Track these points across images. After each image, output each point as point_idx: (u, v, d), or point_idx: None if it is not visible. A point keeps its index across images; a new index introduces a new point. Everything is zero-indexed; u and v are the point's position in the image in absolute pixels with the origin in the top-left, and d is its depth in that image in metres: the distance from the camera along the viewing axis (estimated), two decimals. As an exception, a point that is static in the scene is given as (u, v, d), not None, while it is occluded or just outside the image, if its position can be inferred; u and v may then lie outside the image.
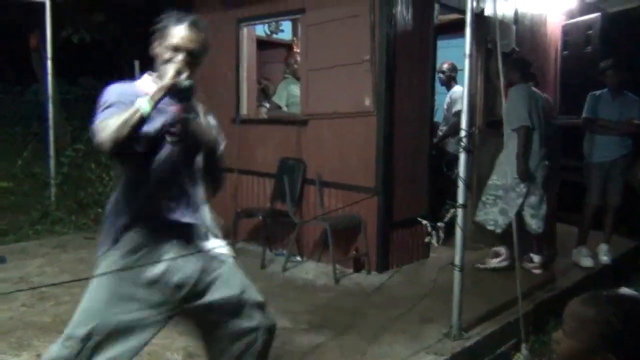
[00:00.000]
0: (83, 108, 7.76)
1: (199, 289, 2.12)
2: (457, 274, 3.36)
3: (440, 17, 5.26)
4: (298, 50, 6.70)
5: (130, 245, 2.05)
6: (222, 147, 2.23)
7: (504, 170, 4.39)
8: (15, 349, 3.20)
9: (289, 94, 5.80)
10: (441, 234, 5.05)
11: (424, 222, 4.92)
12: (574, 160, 5.36)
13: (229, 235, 5.26)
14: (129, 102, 1.89)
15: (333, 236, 4.54)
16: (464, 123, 3.34)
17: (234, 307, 2.17)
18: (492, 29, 5.51)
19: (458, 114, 4.94)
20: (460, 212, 3.35)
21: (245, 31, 5.79)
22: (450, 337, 3.34)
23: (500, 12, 5.77)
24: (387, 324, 3.60)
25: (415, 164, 4.98)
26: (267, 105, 6.48)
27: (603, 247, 5.07)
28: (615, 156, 4.87)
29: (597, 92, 4.99)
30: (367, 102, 4.67)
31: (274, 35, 7.13)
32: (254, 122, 5.80)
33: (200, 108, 2.21)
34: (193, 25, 2.06)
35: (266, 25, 6.83)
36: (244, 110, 5.83)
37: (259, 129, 5.72)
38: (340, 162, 4.92)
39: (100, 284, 2.07)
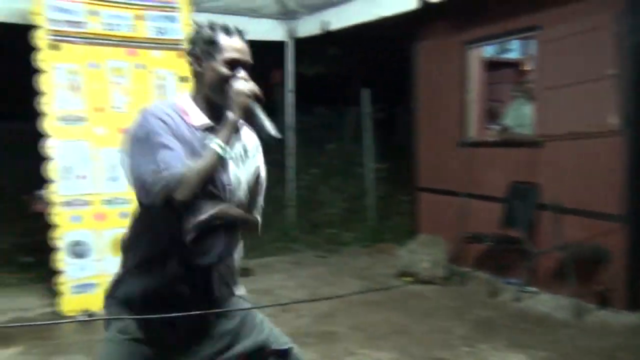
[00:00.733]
0: (317, 135, 8.36)
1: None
2: None
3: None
4: (529, 69, 6.40)
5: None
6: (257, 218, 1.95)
7: None
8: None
9: (519, 115, 5.54)
10: None
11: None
12: None
13: (456, 260, 5.18)
14: (178, 132, 1.67)
15: (573, 267, 4.15)
16: None
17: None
18: None
19: None
20: None
21: (472, 53, 5.70)
22: None
23: None
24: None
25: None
26: (495, 127, 6.27)
27: None
28: None
29: None
30: (612, 120, 4.24)
31: (502, 55, 6.90)
32: (481, 145, 5.64)
33: (248, 138, 1.87)
34: (242, 35, 1.77)
35: (494, 46, 6.65)
36: (471, 133, 5.71)
37: (486, 151, 5.55)
38: (580, 186, 4.51)
39: None
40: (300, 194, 7.28)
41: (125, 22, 4.71)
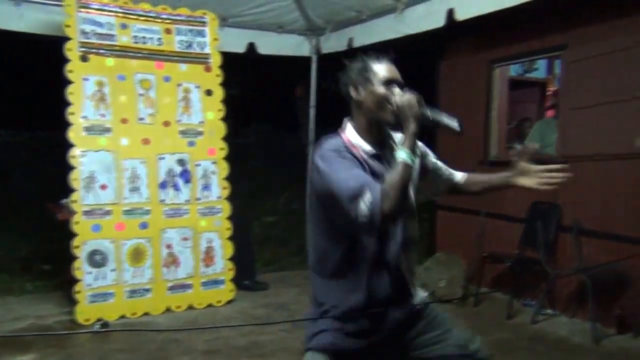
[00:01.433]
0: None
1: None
2: None
3: None
4: (554, 88, 6.35)
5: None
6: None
7: None
8: (277, 370, 3.51)
9: (544, 136, 5.48)
10: None
11: None
12: None
13: (473, 279, 5.11)
14: (358, 159, 1.87)
15: (593, 290, 4.08)
16: None
17: None
18: None
19: None
20: None
21: (497, 72, 5.67)
22: None
23: None
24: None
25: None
26: (519, 146, 6.20)
27: None
28: None
29: None
30: (637, 142, 4.16)
31: (527, 74, 6.86)
32: (502, 164, 5.58)
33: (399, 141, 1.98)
34: (389, 59, 1.98)
35: (520, 65, 6.63)
36: (494, 151, 5.67)
37: (506, 170, 5.49)
38: (603, 208, 4.44)
39: None
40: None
41: (154, 35, 4.82)
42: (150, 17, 4.81)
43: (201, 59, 5.03)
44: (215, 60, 5.10)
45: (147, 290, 4.66)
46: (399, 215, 1.77)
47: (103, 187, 4.54)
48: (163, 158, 4.81)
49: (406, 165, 1.76)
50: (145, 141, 4.74)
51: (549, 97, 6.80)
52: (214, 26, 5.12)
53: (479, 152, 5.73)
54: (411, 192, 1.96)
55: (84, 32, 4.53)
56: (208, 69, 5.06)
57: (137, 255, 4.62)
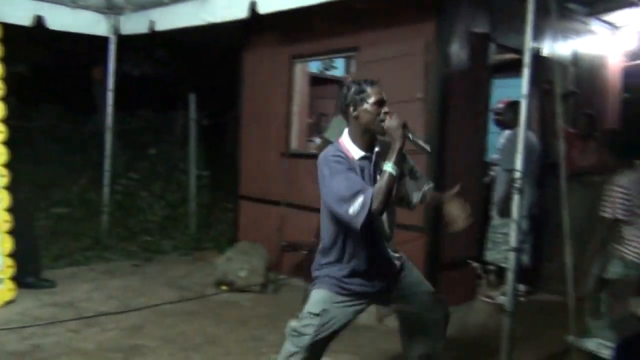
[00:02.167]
0: (139, 139, 7.98)
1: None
2: (506, 320, 3.22)
3: (497, 56, 5.19)
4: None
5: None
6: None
7: None
8: (59, 374, 3.23)
9: (340, 131, 5.79)
10: (492, 277, 4.87)
11: (475, 264, 4.76)
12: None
13: (274, 268, 5.25)
14: (353, 164, 2.47)
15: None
16: (518, 163, 3.24)
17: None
18: (549, 70, 5.43)
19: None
20: (511, 255, 3.22)
21: (299, 67, 5.86)
22: (500, 386, 3.18)
23: (558, 53, 5.65)
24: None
25: (466, 204, 4.85)
26: (317, 140, 6.50)
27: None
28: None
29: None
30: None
31: (327, 72, 7.22)
32: (303, 157, 5.82)
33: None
34: (377, 84, 2.56)
35: (320, 62, 6.93)
36: (294, 145, 5.87)
37: (307, 163, 5.72)
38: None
39: None
40: (117, 200, 6.87)
41: None
42: None
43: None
44: (-7, 31, 4.51)
45: None
46: (383, 212, 2.41)
47: None
48: None
49: (391, 175, 2.35)
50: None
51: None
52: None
53: (280, 145, 5.88)
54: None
55: None
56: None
57: None
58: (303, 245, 5.14)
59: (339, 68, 7.37)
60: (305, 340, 2.54)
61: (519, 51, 3.93)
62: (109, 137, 6.80)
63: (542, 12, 3.43)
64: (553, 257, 5.02)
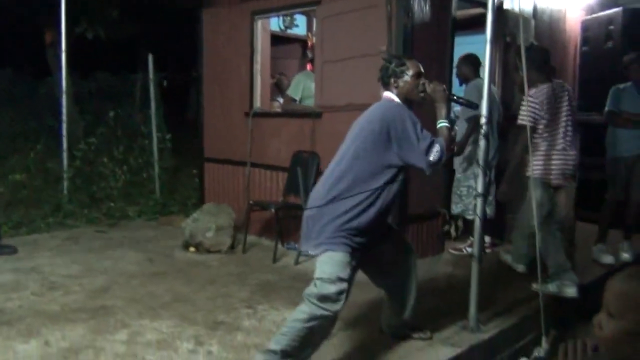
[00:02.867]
0: (97, 103, 7.73)
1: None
2: (474, 266, 3.27)
3: (459, 13, 5.17)
4: (312, 43, 6.65)
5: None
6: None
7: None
8: (24, 336, 3.15)
9: (304, 88, 5.74)
10: (460, 225, 4.95)
11: (443, 210, 4.83)
12: (592, 157, 5.24)
13: (241, 228, 5.21)
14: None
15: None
16: (484, 111, 3.25)
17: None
18: (511, 23, 5.45)
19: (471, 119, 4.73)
20: (479, 201, 3.26)
21: (259, 24, 5.73)
22: (468, 329, 3.25)
23: (519, 6, 5.65)
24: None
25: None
26: (281, 100, 6.42)
27: (624, 244, 4.95)
28: (639, 151, 4.74)
29: (621, 86, 4.86)
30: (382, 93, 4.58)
31: (289, 30, 7.07)
32: (267, 116, 5.74)
33: None
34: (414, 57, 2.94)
35: (281, 20, 6.78)
36: (258, 104, 5.77)
37: (272, 122, 5.67)
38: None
39: None
40: (77, 166, 6.69)
41: None
42: None
43: None
44: None
45: None
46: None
47: None
48: None
49: (448, 128, 2.81)
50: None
51: (309, 51, 7.11)
52: None
53: (244, 105, 5.78)
54: None
55: None
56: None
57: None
58: (270, 204, 5.11)
59: (300, 26, 7.21)
60: (339, 305, 2.59)
61: (482, 4, 3.93)
62: (64, 102, 6.57)
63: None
64: (516, 208, 5.13)
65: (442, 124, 2.80)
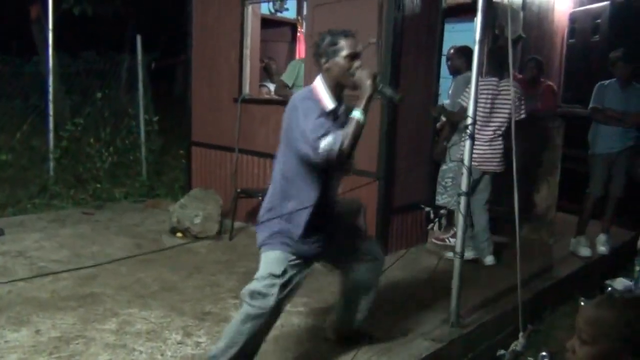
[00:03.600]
0: (84, 82, 7.66)
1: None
2: (457, 262, 3.35)
3: (449, 0, 5.20)
4: (302, 30, 6.64)
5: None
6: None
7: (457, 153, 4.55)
8: (15, 324, 3.20)
9: (298, 74, 5.74)
10: (443, 221, 5.04)
11: (427, 208, 4.91)
12: (576, 149, 5.34)
13: (228, 214, 5.26)
14: (324, 111, 2.46)
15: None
16: (470, 110, 3.30)
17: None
18: (500, 14, 5.49)
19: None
20: (462, 199, 3.33)
21: (250, 9, 5.71)
22: (449, 323, 3.35)
23: (508, -2, 5.70)
24: (385, 309, 3.59)
25: (418, 149, 4.95)
26: (269, 84, 6.42)
27: (602, 237, 5.07)
28: (620, 148, 4.83)
29: (606, 82, 4.93)
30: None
31: (279, 14, 7.04)
32: (256, 102, 5.75)
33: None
34: (353, 35, 2.53)
35: (271, 4, 6.75)
36: (247, 90, 5.78)
37: (261, 108, 5.68)
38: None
39: None
40: (63, 146, 6.66)
41: None
42: None
43: None
44: None
45: None
46: (348, 158, 2.41)
47: None
48: None
49: (358, 122, 2.39)
50: None
51: (301, 37, 7.10)
52: None
53: (233, 90, 5.79)
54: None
55: None
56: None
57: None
58: (258, 192, 5.15)
59: (290, 9, 7.19)
60: (271, 300, 2.50)
61: (472, -4, 3.96)
62: (51, 81, 6.51)
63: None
64: (499, 200, 5.23)
65: (355, 114, 2.40)
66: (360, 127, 2.39)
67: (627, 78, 4.80)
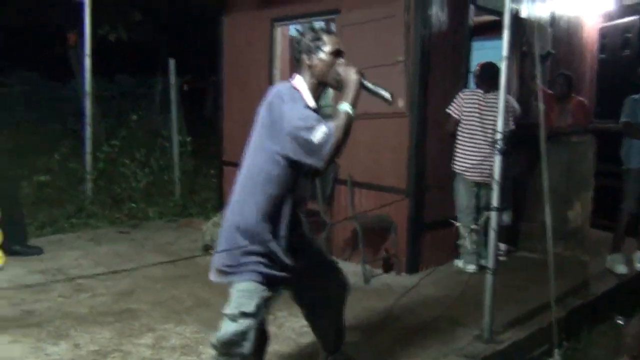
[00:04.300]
0: (119, 105, 7.90)
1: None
2: (489, 277, 3.34)
3: (475, 18, 5.22)
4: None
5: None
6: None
7: None
8: (54, 338, 3.29)
9: (326, 95, 5.80)
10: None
11: (457, 224, 4.89)
12: (609, 164, 5.27)
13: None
14: (307, 106, 2.25)
15: (363, 236, 4.54)
16: (499, 125, 3.32)
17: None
18: (528, 31, 5.49)
19: None
20: (493, 215, 3.33)
21: (279, 31, 5.83)
22: (482, 340, 3.32)
23: (536, 14, 5.70)
24: (417, 325, 3.59)
25: (448, 165, 4.96)
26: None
27: (638, 254, 4.98)
28: (654, 163, 4.76)
29: (637, 96, 4.88)
30: (400, 103, 4.66)
31: (307, 35, 7.16)
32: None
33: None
34: (335, 33, 2.41)
35: (300, 26, 6.87)
36: (276, 110, 5.86)
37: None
38: (372, 163, 4.93)
39: None
40: (100, 167, 6.86)
41: None
42: None
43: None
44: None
45: None
46: (339, 154, 2.17)
47: None
48: None
49: (348, 114, 2.17)
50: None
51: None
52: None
53: (262, 109, 5.87)
54: None
55: None
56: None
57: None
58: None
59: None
60: (248, 348, 2.31)
61: (498, 13, 3.98)
62: (88, 104, 6.73)
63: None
64: (532, 216, 5.19)
65: (342, 107, 2.17)
66: (350, 120, 2.16)
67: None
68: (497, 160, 3.30)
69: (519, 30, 5.26)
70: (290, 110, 2.18)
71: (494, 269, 3.33)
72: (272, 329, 3.46)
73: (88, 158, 6.71)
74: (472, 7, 5.03)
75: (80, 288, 4.15)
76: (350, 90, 2.23)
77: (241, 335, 2.28)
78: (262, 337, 2.50)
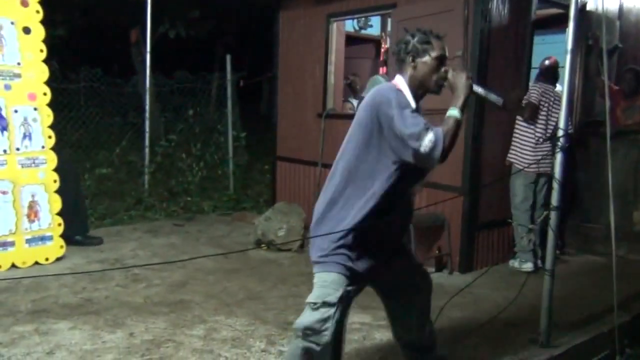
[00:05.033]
0: (177, 100, 8.09)
1: None
2: (547, 279, 3.22)
3: (538, 12, 5.04)
4: (386, 46, 6.66)
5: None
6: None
7: None
8: (111, 326, 3.38)
9: (377, 89, 5.75)
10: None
11: (513, 222, 4.75)
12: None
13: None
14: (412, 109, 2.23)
15: (416, 234, 4.47)
16: (562, 122, 3.18)
17: None
18: (594, 24, 5.26)
19: None
20: (553, 214, 3.20)
21: (334, 26, 5.81)
22: (538, 343, 3.21)
23: (604, 6, 5.44)
24: (470, 326, 3.50)
25: (504, 164, 4.81)
26: (353, 101, 6.47)
27: None
28: None
29: None
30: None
31: (363, 31, 7.11)
32: (340, 117, 5.81)
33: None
34: (443, 39, 2.39)
35: (355, 21, 6.83)
36: (331, 105, 5.86)
37: (345, 124, 5.70)
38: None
39: None
40: (157, 161, 7.04)
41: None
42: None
43: (17, -8, 4.49)
44: (33, -6, 4.59)
45: (-40, 250, 4.20)
46: (447, 157, 2.16)
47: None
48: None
49: (457, 120, 2.20)
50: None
51: (383, 53, 7.13)
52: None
53: (317, 105, 5.89)
54: None
55: None
56: (25, 4, 4.53)
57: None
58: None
59: (375, 26, 7.24)
60: (326, 337, 2.29)
61: (563, 5, 3.83)
62: (148, 99, 6.91)
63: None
64: (595, 217, 4.98)
65: (452, 112, 2.20)
66: (458, 125, 2.18)
67: None
68: (559, 158, 3.17)
69: (585, 23, 5.04)
70: (399, 117, 2.16)
71: (551, 269, 3.20)
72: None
73: (147, 152, 6.89)
74: (534, 0, 4.85)
75: (137, 278, 4.26)
76: (461, 95, 2.26)
77: (321, 324, 2.29)
78: (340, 334, 2.47)
